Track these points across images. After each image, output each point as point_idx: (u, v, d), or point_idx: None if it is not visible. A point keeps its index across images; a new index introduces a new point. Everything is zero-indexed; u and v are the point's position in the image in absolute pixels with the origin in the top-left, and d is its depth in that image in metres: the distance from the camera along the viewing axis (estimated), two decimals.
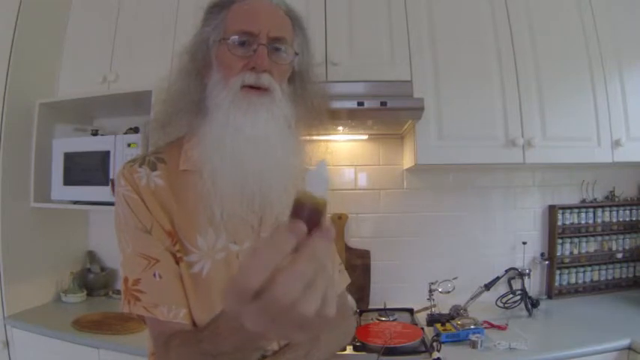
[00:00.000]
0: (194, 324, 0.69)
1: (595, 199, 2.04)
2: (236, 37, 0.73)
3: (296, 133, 0.78)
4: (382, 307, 1.81)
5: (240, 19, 0.74)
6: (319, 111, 0.82)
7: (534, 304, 1.76)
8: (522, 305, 1.77)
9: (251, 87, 0.72)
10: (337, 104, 1.58)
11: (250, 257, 0.37)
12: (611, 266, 2.01)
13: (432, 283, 1.74)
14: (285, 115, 0.75)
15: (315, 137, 0.84)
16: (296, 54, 0.79)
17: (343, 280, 0.94)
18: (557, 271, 1.96)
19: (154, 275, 0.68)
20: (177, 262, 0.71)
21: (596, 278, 2.00)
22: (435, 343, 1.39)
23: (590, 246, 2.00)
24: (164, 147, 0.79)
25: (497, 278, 1.79)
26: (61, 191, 1.84)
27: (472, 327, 1.50)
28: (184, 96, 0.76)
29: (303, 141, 0.80)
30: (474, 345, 1.41)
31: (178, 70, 0.79)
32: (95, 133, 2.01)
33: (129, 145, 1.73)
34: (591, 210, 2.01)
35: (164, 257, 0.70)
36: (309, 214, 0.38)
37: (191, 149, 0.76)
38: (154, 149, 0.80)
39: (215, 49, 0.76)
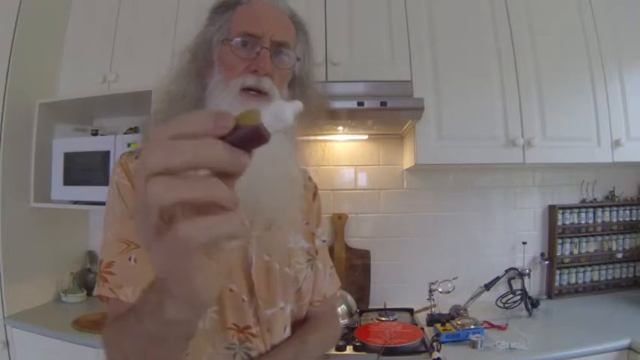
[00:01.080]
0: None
1: (595, 199, 2.04)
2: (239, 38, 0.73)
3: (292, 136, 0.78)
4: (382, 307, 1.81)
5: (245, 21, 0.74)
6: (317, 115, 0.82)
7: (534, 304, 1.76)
8: (522, 305, 1.77)
9: (251, 90, 0.72)
10: (337, 104, 1.58)
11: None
12: (611, 266, 2.01)
13: (432, 283, 1.74)
14: None
15: (313, 137, 0.83)
16: (298, 59, 0.79)
17: (333, 284, 0.92)
18: (557, 271, 1.96)
19: (129, 259, 0.67)
20: None
21: (596, 278, 2.00)
22: (435, 343, 1.39)
23: (590, 246, 2.00)
24: None
25: (497, 278, 1.79)
26: (61, 191, 1.84)
27: (472, 327, 1.50)
28: (184, 95, 0.76)
29: (299, 143, 0.80)
30: (473, 345, 1.41)
31: (179, 69, 0.79)
32: (95, 133, 2.01)
33: (129, 145, 1.73)
34: (591, 210, 2.01)
35: None
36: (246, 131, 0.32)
37: None
38: None
39: (218, 49, 0.76)
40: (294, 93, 0.81)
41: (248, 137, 0.32)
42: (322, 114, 0.83)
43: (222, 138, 0.32)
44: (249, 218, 0.74)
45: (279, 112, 0.33)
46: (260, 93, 0.72)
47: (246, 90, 0.72)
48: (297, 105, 0.34)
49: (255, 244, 0.75)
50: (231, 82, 0.72)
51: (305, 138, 0.83)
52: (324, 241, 0.93)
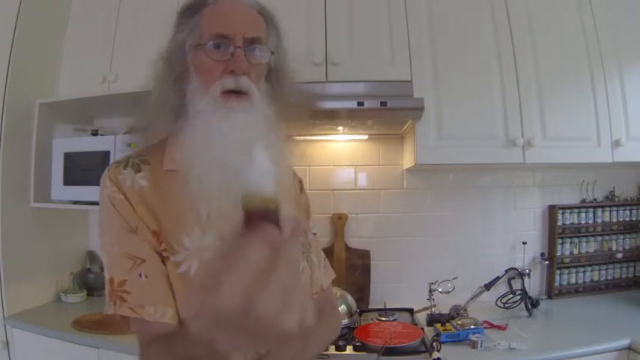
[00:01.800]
0: (181, 325, 0.69)
1: (595, 199, 2.04)
2: (212, 41, 0.73)
3: (278, 131, 0.77)
4: (382, 307, 1.81)
5: (215, 22, 0.74)
6: (297, 105, 0.82)
7: (534, 304, 1.76)
8: (522, 305, 1.77)
9: (231, 91, 0.72)
10: (337, 104, 1.58)
11: (222, 275, 0.33)
12: (611, 266, 2.01)
13: (432, 283, 1.74)
14: (265, 115, 0.75)
15: (308, 137, 0.84)
16: (272, 53, 0.79)
17: (328, 275, 0.94)
18: (557, 271, 1.96)
19: (140, 275, 0.68)
20: (164, 261, 0.71)
21: (596, 278, 2.00)
22: (435, 343, 1.39)
23: (590, 246, 2.00)
24: (147, 149, 0.80)
25: (497, 278, 1.79)
26: (61, 191, 1.84)
27: (472, 327, 1.50)
28: (164, 102, 0.76)
29: (286, 138, 0.79)
30: (474, 345, 1.41)
31: (155, 77, 0.80)
32: (95, 133, 2.01)
33: (129, 145, 1.73)
34: (591, 210, 2.01)
35: (150, 257, 0.69)
36: (262, 218, 0.34)
37: (174, 150, 0.76)
38: (137, 151, 0.80)
39: (191, 54, 0.76)
40: (272, 86, 0.81)
41: (271, 219, 0.36)
42: (302, 103, 0.84)
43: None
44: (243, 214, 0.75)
45: (257, 171, 0.35)
46: (240, 93, 0.73)
47: (227, 92, 0.72)
48: (257, 150, 0.36)
49: None
50: (210, 86, 0.73)
51: (292, 135, 0.83)
52: (314, 233, 0.95)
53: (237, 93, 0.73)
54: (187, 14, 0.78)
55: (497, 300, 1.80)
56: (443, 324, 1.55)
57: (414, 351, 1.39)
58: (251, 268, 0.33)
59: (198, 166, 0.70)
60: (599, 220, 2.01)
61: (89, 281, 2.05)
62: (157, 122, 0.78)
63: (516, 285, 1.86)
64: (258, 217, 0.34)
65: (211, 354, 0.47)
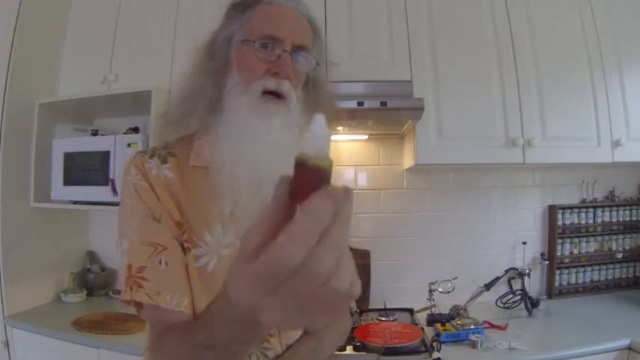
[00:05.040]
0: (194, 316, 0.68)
1: (595, 199, 2.04)
2: (262, 40, 0.73)
3: (299, 131, 0.78)
4: (382, 307, 1.81)
5: (267, 22, 0.74)
6: (329, 116, 0.83)
7: (534, 304, 1.76)
8: (522, 305, 1.77)
9: (269, 92, 0.73)
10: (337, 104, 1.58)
11: (292, 231, 0.31)
12: (611, 266, 2.01)
13: (432, 283, 1.74)
14: (298, 122, 0.75)
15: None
16: (317, 64, 0.80)
17: None
18: (557, 271, 1.96)
19: (160, 262, 0.67)
20: (185, 252, 0.70)
21: (596, 278, 2.00)
22: (435, 343, 1.39)
23: (590, 246, 2.00)
24: (173, 143, 0.79)
25: (497, 278, 1.79)
26: (61, 191, 1.85)
27: (472, 327, 1.51)
28: (201, 93, 0.76)
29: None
30: (474, 345, 1.41)
31: (195, 66, 0.79)
32: (95, 133, 2.01)
33: (129, 145, 1.73)
34: (591, 210, 2.01)
35: (172, 245, 0.69)
36: (314, 178, 0.33)
37: (201, 146, 0.76)
38: (162, 144, 0.79)
39: (237, 49, 0.76)
40: (307, 94, 0.82)
41: (322, 181, 0.35)
42: (334, 114, 0.85)
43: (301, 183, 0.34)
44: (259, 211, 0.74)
45: (316, 135, 0.35)
46: (279, 96, 0.73)
47: (266, 93, 0.73)
48: (319, 117, 0.35)
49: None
50: (252, 84, 0.73)
51: None
52: None
53: (276, 95, 0.73)
54: (239, 9, 0.77)
55: (497, 300, 1.80)
56: (443, 324, 1.55)
57: (414, 351, 1.39)
58: (321, 224, 0.32)
59: (230, 163, 0.70)
60: (599, 220, 2.01)
61: (89, 281, 2.05)
62: (190, 115, 0.77)
63: (516, 285, 1.86)
64: (312, 175, 0.34)
65: (235, 337, 0.46)
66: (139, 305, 0.67)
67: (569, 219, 1.99)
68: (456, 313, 1.65)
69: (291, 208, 0.34)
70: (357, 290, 0.34)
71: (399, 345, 1.40)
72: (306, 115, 0.78)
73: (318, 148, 0.34)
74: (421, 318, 1.71)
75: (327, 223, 0.32)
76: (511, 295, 1.80)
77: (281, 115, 0.73)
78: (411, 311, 1.79)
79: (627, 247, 2.03)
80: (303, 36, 0.76)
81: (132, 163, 0.73)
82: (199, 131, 0.78)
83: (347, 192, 0.34)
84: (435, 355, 1.36)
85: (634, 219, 2.04)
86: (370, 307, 1.87)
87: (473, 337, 1.43)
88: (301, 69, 0.76)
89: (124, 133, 1.90)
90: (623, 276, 2.02)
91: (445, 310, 1.68)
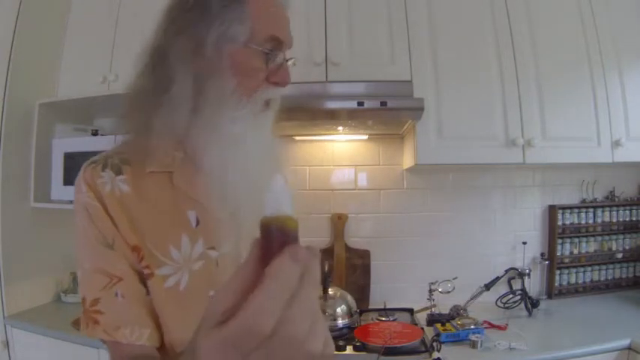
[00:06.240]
0: (161, 345, 0.64)
1: (595, 199, 2.04)
2: (268, 44, 0.67)
3: (273, 136, 0.75)
4: (382, 307, 1.81)
5: (268, 22, 0.67)
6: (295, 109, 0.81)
7: (534, 304, 1.76)
8: (522, 305, 1.77)
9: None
10: (337, 104, 1.58)
11: (258, 297, 0.31)
12: (611, 266, 2.01)
13: (432, 283, 1.74)
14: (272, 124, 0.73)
15: (308, 137, 0.81)
16: (294, 64, 0.75)
17: None
18: (557, 271, 1.96)
19: (116, 294, 0.62)
20: (146, 279, 0.64)
21: (596, 278, 1.99)
22: (435, 343, 1.39)
23: (590, 246, 2.00)
24: (125, 145, 0.71)
25: (497, 278, 1.79)
26: (61, 191, 1.84)
27: (472, 327, 1.51)
28: (166, 89, 0.65)
29: (280, 142, 0.76)
30: (474, 345, 1.42)
31: (170, 65, 0.67)
32: (95, 133, 2.01)
33: None
34: (591, 210, 2.01)
35: (127, 275, 0.63)
36: (279, 239, 0.33)
37: (158, 149, 0.66)
38: (115, 149, 0.71)
39: (233, 48, 0.66)
40: None
41: (288, 241, 0.34)
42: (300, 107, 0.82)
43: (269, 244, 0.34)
44: (237, 220, 0.69)
45: (276, 195, 0.34)
46: (266, 104, 0.69)
47: (267, 101, 0.69)
48: (277, 177, 0.35)
49: (245, 245, 0.72)
50: (248, 90, 0.66)
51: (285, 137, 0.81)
52: None
53: (265, 104, 0.69)
54: (233, 3, 0.65)
55: (497, 300, 1.80)
56: (443, 324, 1.55)
57: (414, 351, 1.39)
58: (287, 288, 0.31)
59: (224, 172, 0.65)
60: (599, 220, 2.01)
61: None
62: (165, 118, 0.66)
63: (516, 285, 1.86)
64: (277, 236, 0.34)
65: None
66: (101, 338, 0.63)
67: (569, 219, 1.99)
68: (456, 313, 1.65)
69: (262, 271, 0.33)
70: (331, 350, 0.35)
71: (399, 345, 1.40)
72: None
73: (281, 209, 0.34)
74: (421, 318, 1.72)
75: (293, 287, 0.32)
76: (511, 295, 1.80)
77: (269, 121, 0.70)
78: (411, 311, 1.79)
79: (627, 247, 2.03)
80: (290, 35, 0.70)
81: (82, 179, 0.66)
82: (159, 133, 0.67)
83: (312, 251, 0.34)
84: (435, 355, 1.36)
85: (634, 219, 2.04)
86: (370, 307, 1.88)
87: (473, 337, 1.43)
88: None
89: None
90: (623, 276, 2.02)
91: (445, 310, 1.68)
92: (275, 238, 0.33)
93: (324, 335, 0.34)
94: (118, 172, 0.66)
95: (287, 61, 0.70)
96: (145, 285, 0.64)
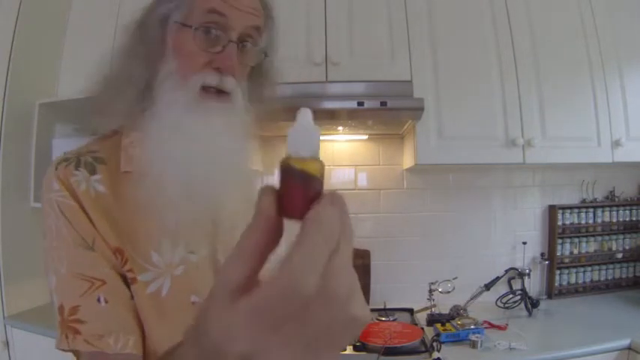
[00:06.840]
0: (145, 353, 0.60)
1: (595, 199, 2.04)
2: (204, 23, 0.62)
3: (253, 134, 0.69)
4: (382, 307, 1.81)
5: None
6: (274, 107, 0.73)
7: (534, 304, 1.76)
8: (522, 305, 1.77)
9: (211, 87, 0.63)
10: (337, 104, 1.58)
11: (300, 250, 0.26)
12: (611, 266, 2.01)
13: (432, 283, 1.74)
14: (244, 121, 0.66)
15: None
16: (265, 55, 0.69)
17: None
18: (557, 271, 1.96)
19: (98, 300, 0.56)
20: (130, 283, 0.60)
21: (596, 278, 1.99)
22: (435, 343, 1.39)
23: (590, 246, 2.00)
24: (98, 142, 0.68)
25: (498, 278, 1.79)
26: None
27: (472, 327, 1.51)
28: (129, 79, 0.64)
29: (254, 139, 0.70)
30: (474, 345, 1.41)
31: (124, 46, 0.67)
32: (95, 133, 2.00)
33: None
34: (591, 210, 2.01)
35: (111, 277, 0.58)
36: (306, 184, 0.28)
37: (132, 146, 0.64)
38: (87, 146, 0.67)
39: (174, 31, 0.64)
40: (253, 86, 0.71)
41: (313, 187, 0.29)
42: (274, 112, 0.73)
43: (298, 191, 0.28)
44: (211, 220, 0.66)
45: (300, 132, 0.29)
46: (221, 92, 0.64)
47: (206, 88, 0.63)
48: (304, 110, 0.30)
49: (223, 248, 0.68)
50: (189, 77, 0.62)
51: (263, 134, 0.73)
52: None
53: (218, 91, 0.63)
54: None
55: (497, 300, 1.80)
56: (443, 324, 1.55)
57: (414, 351, 1.39)
58: (333, 238, 0.27)
59: (157, 167, 0.59)
60: (599, 220, 2.01)
61: None
62: (114, 105, 0.64)
63: (516, 285, 1.86)
64: (303, 181, 0.28)
65: None
66: (76, 352, 0.58)
67: (569, 219, 1.99)
68: (456, 313, 1.65)
69: (278, 227, 0.28)
70: (370, 316, 0.30)
71: (399, 345, 1.40)
72: (253, 108, 0.68)
73: (308, 148, 0.28)
74: (421, 318, 1.71)
75: (337, 239, 0.27)
76: (511, 295, 1.80)
77: (223, 114, 0.63)
78: (411, 311, 1.79)
79: (627, 247, 2.03)
80: (253, 16, 0.64)
81: (53, 177, 0.62)
82: (126, 126, 0.66)
83: (342, 199, 0.29)
84: (435, 355, 1.36)
85: (634, 219, 2.04)
86: (370, 307, 1.87)
87: (473, 337, 1.43)
88: (246, 62, 0.66)
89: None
90: (623, 276, 2.02)
91: (445, 310, 1.68)
92: (301, 183, 0.28)
93: (362, 297, 0.29)
94: (93, 172, 0.62)
95: (242, 44, 0.64)
96: (129, 289, 0.60)
